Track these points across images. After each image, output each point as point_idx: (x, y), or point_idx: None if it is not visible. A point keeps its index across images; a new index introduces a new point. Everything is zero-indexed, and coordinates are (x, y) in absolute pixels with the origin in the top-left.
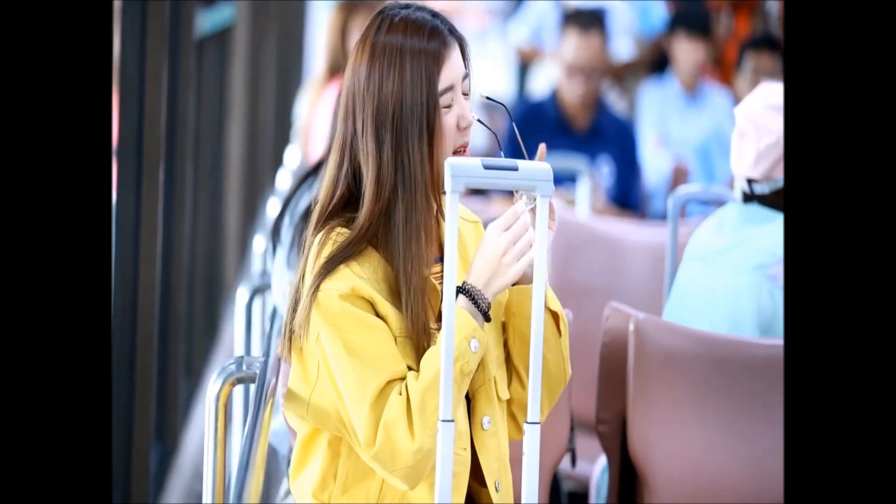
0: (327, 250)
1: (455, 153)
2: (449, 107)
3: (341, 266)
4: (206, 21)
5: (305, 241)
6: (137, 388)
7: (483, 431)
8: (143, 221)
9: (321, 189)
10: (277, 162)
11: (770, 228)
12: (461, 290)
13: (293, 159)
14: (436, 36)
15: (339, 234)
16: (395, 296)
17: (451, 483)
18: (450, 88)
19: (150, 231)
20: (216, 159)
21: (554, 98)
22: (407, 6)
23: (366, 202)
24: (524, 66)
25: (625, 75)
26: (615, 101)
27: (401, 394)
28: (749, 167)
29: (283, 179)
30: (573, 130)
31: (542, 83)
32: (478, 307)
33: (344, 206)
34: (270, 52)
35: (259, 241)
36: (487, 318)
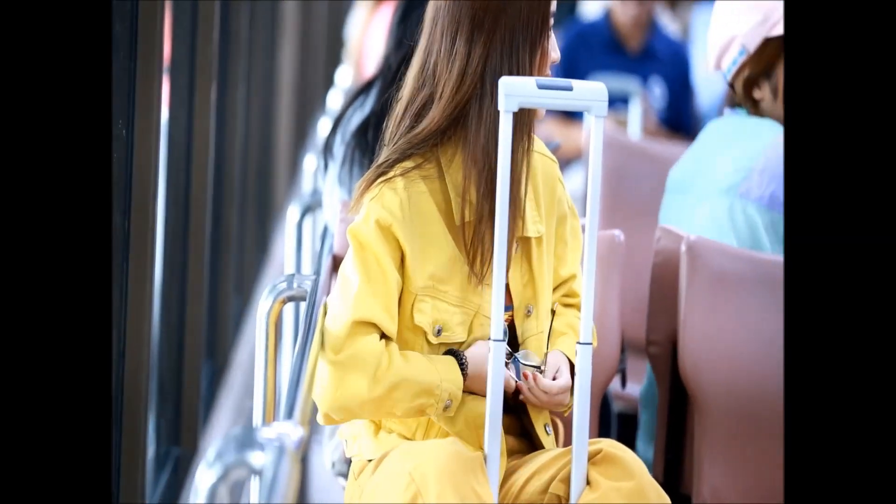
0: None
1: None
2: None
3: (398, 177)
4: None
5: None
6: (189, 305)
7: None
8: (195, 140)
9: (405, 87)
10: (329, 81)
11: (734, 147)
12: (459, 356)
13: (345, 79)
14: None
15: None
16: (447, 221)
17: (500, 405)
18: (553, 13)
19: (202, 149)
20: (268, 78)
21: (607, 19)
22: None
23: (450, 107)
24: None
25: None
26: (668, 24)
27: (386, 345)
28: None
29: (335, 99)
30: (626, 51)
31: (593, 6)
32: (463, 372)
33: (421, 113)
34: None
35: (310, 160)
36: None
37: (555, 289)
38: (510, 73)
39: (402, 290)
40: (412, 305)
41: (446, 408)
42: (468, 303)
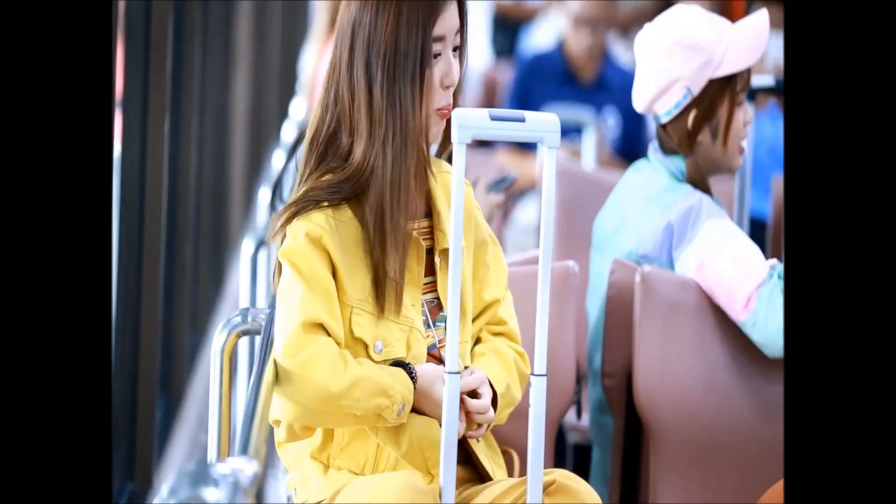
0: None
1: (438, 112)
2: (435, 57)
3: (315, 211)
4: None
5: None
6: (142, 339)
7: None
8: (148, 173)
9: (311, 117)
10: (283, 114)
11: (640, 216)
12: (408, 367)
13: (299, 111)
14: None
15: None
16: (366, 257)
17: (456, 436)
18: (441, 39)
19: (155, 183)
20: (222, 111)
21: (560, 50)
22: None
23: (362, 140)
24: (504, 20)
25: (631, 27)
26: (621, 53)
27: (339, 350)
28: (634, 97)
29: (289, 131)
30: (579, 82)
31: (545, 36)
32: (412, 382)
33: (330, 141)
34: (276, 2)
35: (264, 193)
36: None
37: (479, 315)
38: (401, 106)
39: (339, 301)
40: (350, 319)
41: (400, 412)
42: (403, 318)
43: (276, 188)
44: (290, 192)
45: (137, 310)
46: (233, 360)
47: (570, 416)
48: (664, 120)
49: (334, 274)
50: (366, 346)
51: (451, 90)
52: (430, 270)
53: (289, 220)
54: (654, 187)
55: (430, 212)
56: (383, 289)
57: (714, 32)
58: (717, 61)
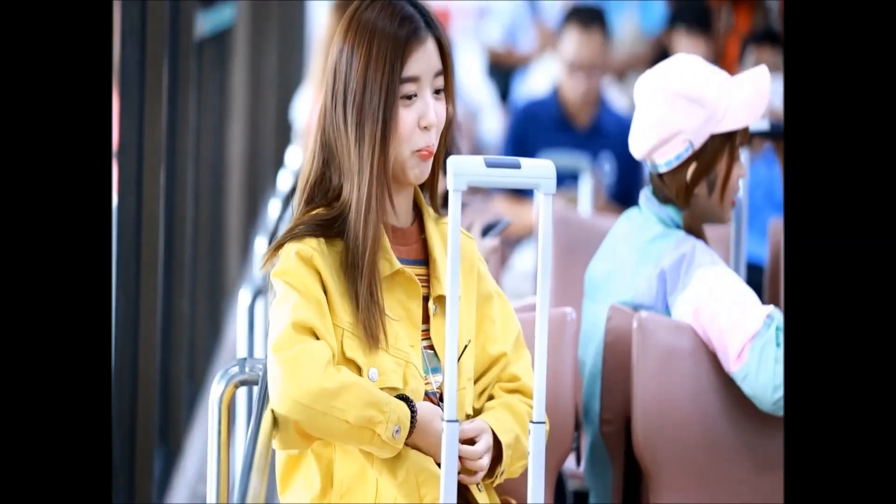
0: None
1: (417, 153)
2: (410, 98)
3: (308, 236)
4: (205, 22)
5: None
6: (140, 391)
7: None
8: (145, 224)
9: (305, 159)
10: (279, 162)
11: (635, 263)
12: (409, 399)
13: (295, 160)
14: (407, 23)
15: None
16: (353, 288)
17: (455, 483)
18: (414, 80)
19: (151, 233)
20: (217, 161)
21: (555, 96)
22: None
23: (346, 180)
24: (496, 66)
25: (626, 72)
26: (616, 99)
27: (329, 348)
28: (632, 143)
29: (285, 180)
30: (574, 128)
31: (539, 83)
32: (412, 415)
33: (319, 182)
34: (271, 52)
35: (261, 243)
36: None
37: (487, 370)
38: (363, 146)
39: (332, 322)
40: (342, 341)
41: (395, 435)
42: (398, 351)
43: (273, 237)
44: None
45: (135, 361)
46: (231, 411)
47: (570, 462)
48: (663, 170)
49: (325, 294)
50: (359, 370)
51: (432, 132)
52: (428, 318)
53: (278, 248)
54: (645, 236)
55: (427, 260)
56: (363, 319)
57: (717, 87)
58: (720, 117)
